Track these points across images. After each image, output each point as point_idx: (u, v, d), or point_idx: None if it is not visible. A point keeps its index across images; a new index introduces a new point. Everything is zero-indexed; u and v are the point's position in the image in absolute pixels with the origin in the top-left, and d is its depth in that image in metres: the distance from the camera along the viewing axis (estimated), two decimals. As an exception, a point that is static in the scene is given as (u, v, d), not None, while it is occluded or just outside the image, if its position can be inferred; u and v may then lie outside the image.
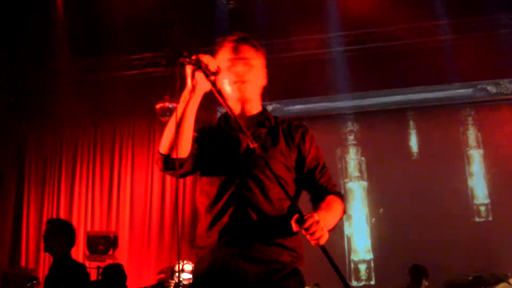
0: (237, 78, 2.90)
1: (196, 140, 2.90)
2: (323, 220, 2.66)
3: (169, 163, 2.81)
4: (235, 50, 3.01)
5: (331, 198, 2.97)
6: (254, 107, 3.07)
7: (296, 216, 2.61)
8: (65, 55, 10.17)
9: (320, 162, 3.06)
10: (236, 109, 3.00)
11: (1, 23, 9.46)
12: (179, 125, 2.74)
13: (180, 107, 2.76)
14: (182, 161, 2.81)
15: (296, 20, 9.48)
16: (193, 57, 2.72)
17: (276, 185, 2.78)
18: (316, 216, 2.59)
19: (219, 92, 2.76)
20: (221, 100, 2.76)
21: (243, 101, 3.00)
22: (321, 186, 3.03)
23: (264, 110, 3.13)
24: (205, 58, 2.74)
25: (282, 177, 2.84)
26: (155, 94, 9.63)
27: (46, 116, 10.95)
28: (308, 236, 2.57)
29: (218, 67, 2.79)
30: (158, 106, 9.44)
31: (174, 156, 2.77)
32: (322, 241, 2.58)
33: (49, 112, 10.85)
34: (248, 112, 3.04)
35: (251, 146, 2.64)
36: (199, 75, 2.72)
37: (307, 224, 2.55)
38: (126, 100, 10.51)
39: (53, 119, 10.90)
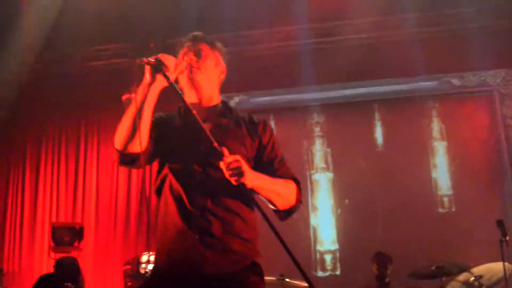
0: (188, 68, 2.91)
1: (153, 131, 2.92)
2: (260, 177, 2.84)
3: (124, 158, 2.82)
4: (188, 47, 3.10)
5: (287, 179, 3.09)
6: (213, 99, 3.15)
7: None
8: (30, 47, 10.04)
9: (278, 154, 3.12)
10: (193, 99, 3.07)
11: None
12: (134, 119, 2.79)
13: (136, 100, 2.83)
14: (136, 156, 2.82)
15: (262, 12, 9.48)
16: (152, 58, 2.75)
17: None
18: (238, 157, 2.71)
19: (179, 90, 2.80)
20: (181, 98, 2.78)
21: (196, 90, 3.01)
22: (279, 176, 3.10)
23: (223, 102, 3.21)
24: (165, 58, 2.77)
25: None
26: (121, 85, 9.56)
27: (11, 106, 10.81)
28: (227, 174, 2.67)
29: (188, 64, 2.84)
30: (124, 97, 9.36)
31: (128, 151, 2.79)
32: (242, 179, 2.68)
33: (13, 104, 10.72)
34: (206, 103, 3.12)
35: (214, 144, 2.69)
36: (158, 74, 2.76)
37: (226, 161, 2.67)
38: (92, 90, 10.44)
39: (18, 110, 10.77)
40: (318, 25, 9.87)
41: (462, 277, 7.00)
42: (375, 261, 7.69)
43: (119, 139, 2.81)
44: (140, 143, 2.78)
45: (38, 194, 10.65)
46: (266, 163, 3.08)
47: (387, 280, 7.61)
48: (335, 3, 9.20)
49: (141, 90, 2.82)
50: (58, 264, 7.69)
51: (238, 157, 2.71)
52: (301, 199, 3.11)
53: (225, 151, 2.69)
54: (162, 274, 2.92)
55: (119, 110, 9.58)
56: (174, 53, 3.07)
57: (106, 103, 10.35)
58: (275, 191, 2.97)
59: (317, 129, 10.05)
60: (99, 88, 10.31)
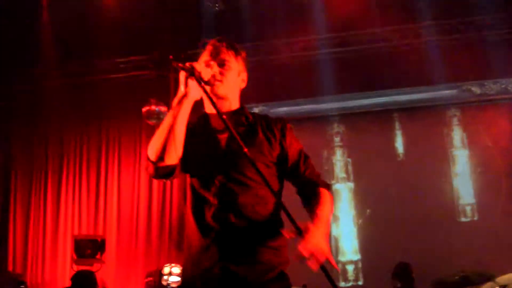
0: (211, 78, 2.90)
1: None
2: (323, 222, 2.74)
3: (160, 170, 2.82)
4: (213, 52, 3.04)
5: (322, 191, 3.01)
6: (232, 105, 3.11)
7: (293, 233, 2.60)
8: (52, 59, 10.14)
9: (301, 153, 3.09)
10: (211, 108, 2.99)
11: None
12: (171, 130, 2.76)
13: (171, 113, 2.79)
14: (173, 168, 2.82)
15: (281, 22, 9.50)
16: (187, 64, 2.75)
17: (257, 185, 2.83)
18: (313, 233, 2.56)
19: (212, 100, 2.78)
20: (214, 108, 2.77)
21: (216, 100, 3.00)
22: (306, 178, 3.07)
23: (241, 107, 3.15)
24: (198, 66, 2.77)
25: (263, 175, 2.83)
26: (142, 97, 9.63)
27: (33, 120, 10.91)
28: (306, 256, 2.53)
29: (212, 76, 2.84)
30: (144, 109, 9.43)
31: (164, 163, 2.79)
32: (322, 259, 2.53)
33: (35, 116, 10.82)
34: (225, 109, 3.05)
35: (244, 150, 2.65)
36: (192, 82, 2.75)
37: (308, 253, 2.51)
38: (113, 103, 10.50)
39: (40, 122, 10.86)
40: (337, 35, 9.87)
41: (487, 286, 6.92)
42: (398, 276, 7.49)
43: (154, 151, 2.78)
44: (168, 155, 2.78)
45: (60, 207, 10.71)
46: (292, 165, 3.05)
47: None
48: (354, 12, 9.19)
49: (176, 102, 2.81)
50: (75, 277, 7.72)
51: (318, 243, 2.55)
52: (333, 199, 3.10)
53: (305, 240, 2.55)
54: (189, 286, 2.91)
55: (139, 121, 9.64)
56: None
57: (126, 115, 10.41)
58: (330, 219, 2.94)
59: (337, 139, 10.04)
60: (120, 100, 10.36)
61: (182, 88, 2.79)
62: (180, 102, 2.80)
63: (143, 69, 10.56)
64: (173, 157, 2.80)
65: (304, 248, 2.52)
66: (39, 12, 9.52)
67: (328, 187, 3.10)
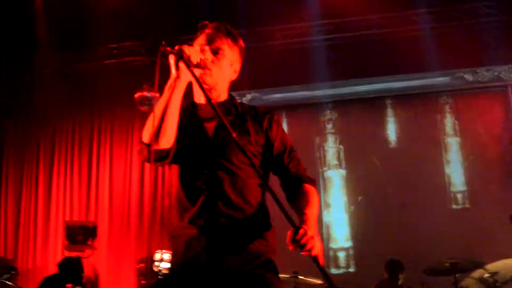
0: (201, 61, 2.87)
1: None
2: (313, 222, 2.72)
3: (154, 153, 2.80)
4: (209, 38, 3.01)
5: (308, 188, 2.99)
6: (220, 96, 3.08)
7: (289, 233, 2.58)
8: (44, 46, 10.08)
9: (287, 146, 3.08)
10: (200, 96, 3.03)
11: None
12: (165, 113, 2.74)
13: (165, 95, 2.78)
14: (167, 152, 2.81)
15: (276, 9, 9.47)
16: (176, 47, 2.73)
17: (245, 174, 2.84)
18: (309, 232, 2.58)
19: (200, 83, 2.75)
20: (201, 91, 2.74)
21: (210, 91, 2.98)
22: (290, 171, 3.06)
23: (230, 97, 3.14)
24: (188, 49, 2.75)
25: (248, 164, 2.86)
26: (134, 83, 9.56)
27: (25, 106, 10.86)
28: (299, 249, 2.57)
29: (201, 59, 2.82)
30: (137, 95, 9.36)
31: (159, 146, 2.77)
32: (314, 252, 2.56)
33: (28, 102, 10.77)
34: (213, 100, 3.03)
35: (233, 135, 2.64)
36: (182, 65, 2.73)
37: (302, 242, 2.54)
38: (105, 89, 10.46)
39: (32, 109, 10.81)
40: (331, 21, 9.84)
41: (477, 273, 6.97)
42: (387, 269, 7.61)
43: (148, 134, 2.77)
44: (162, 139, 2.77)
45: (52, 193, 10.70)
46: (276, 156, 3.04)
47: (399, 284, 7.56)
48: (347, -1, 9.18)
49: (168, 85, 2.80)
50: (62, 264, 7.72)
51: (310, 232, 2.58)
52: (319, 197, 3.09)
53: (301, 230, 2.56)
54: (177, 273, 2.92)
55: (132, 108, 9.62)
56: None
57: (119, 101, 10.38)
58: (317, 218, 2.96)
59: (329, 126, 10.04)
60: (112, 86, 10.32)
61: (173, 71, 2.78)
62: (172, 84, 2.78)
63: (136, 55, 10.52)
64: (168, 140, 2.78)
65: (297, 238, 2.54)
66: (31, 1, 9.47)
67: (313, 183, 3.07)
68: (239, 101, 3.16)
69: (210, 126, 2.94)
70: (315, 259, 2.58)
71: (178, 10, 9.54)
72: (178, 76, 2.77)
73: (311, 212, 2.82)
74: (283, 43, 10.01)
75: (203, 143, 2.91)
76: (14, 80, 10.89)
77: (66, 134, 10.96)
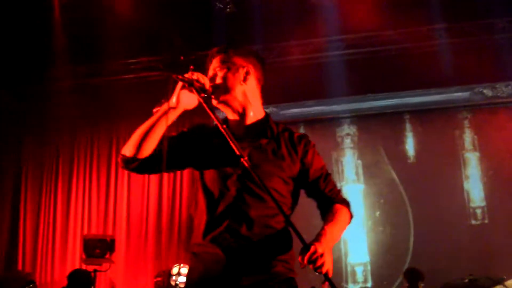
0: (209, 88, 2.89)
1: (182, 139, 2.99)
2: (328, 238, 2.72)
3: (127, 163, 2.90)
4: (221, 61, 3.05)
5: (337, 208, 2.99)
6: (255, 114, 3.07)
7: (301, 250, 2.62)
8: (64, 60, 10.15)
9: (323, 171, 3.08)
10: (234, 117, 3.03)
11: (1, 30, 9.43)
12: (148, 131, 2.84)
13: (155, 116, 2.86)
14: (141, 162, 2.88)
15: (293, 24, 9.49)
16: (187, 75, 2.76)
17: (271, 198, 2.76)
18: (320, 249, 2.59)
19: (211, 109, 2.79)
20: (212, 116, 2.78)
21: (231, 106, 3.01)
22: (326, 195, 3.05)
23: (266, 117, 3.11)
24: (198, 76, 2.78)
25: (277, 190, 2.86)
26: (152, 98, 9.61)
27: (44, 120, 10.93)
28: (311, 266, 2.58)
29: (210, 86, 2.84)
30: (155, 110, 9.40)
31: (135, 157, 2.85)
32: (324, 270, 2.58)
33: (47, 116, 10.84)
34: (248, 120, 3.04)
35: (242, 160, 2.66)
36: (186, 93, 2.79)
37: (312, 258, 2.56)
38: (123, 104, 10.48)
39: (51, 123, 10.89)
40: (348, 36, 9.84)
41: (496, 290, 6.91)
42: (406, 278, 7.58)
43: (127, 145, 2.86)
44: (139, 150, 2.86)
45: (70, 207, 10.75)
46: (312, 182, 3.03)
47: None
48: (366, 15, 9.16)
49: (163, 109, 2.83)
50: (71, 277, 7.73)
51: (320, 249, 2.60)
52: (353, 215, 3.10)
53: (312, 248, 2.59)
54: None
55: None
56: (205, 65, 3.06)
57: (137, 116, 10.38)
58: (342, 232, 2.96)
59: (347, 141, 10.02)
60: (130, 101, 10.35)
61: (173, 99, 2.81)
62: (167, 111, 2.83)
63: (153, 70, 10.57)
64: (143, 153, 2.85)
65: (307, 257, 2.57)
66: (51, 13, 9.53)
67: (347, 204, 3.07)
68: (274, 121, 3.15)
69: (243, 146, 2.86)
70: (326, 276, 2.60)
71: (195, 25, 9.59)
72: (176, 106, 2.81)
73: (330, 228, 2.82)
74: (300, 58, 10.01)
75: (232, 164, 2.87)
76: (33, 94, 10.99)
77: (85, 148, 11.03)
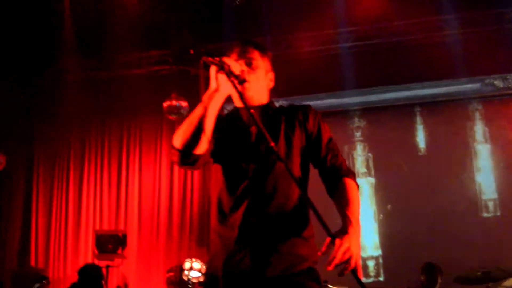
0: (241, 73, 2.89)
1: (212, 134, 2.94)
2: (354, 225, 2.72)
3: (186, 159, 2.84)
4: (240, 52, 3.07)
5: (347, 184, 2.98)
6: (260, 101, 3.14)
7: (326, 244, 2.59)
8: (74, 54, 10.16)
9: (325, 137, 3.10)
10: (241, 102, 3.02)
11: (10, 24, 9.44)
12: (200, 123, 2.77)
13: (202, 105, 2.80)
14: (197, 157, 2.84)
15: (302, 16, 9.46)
16: (217, 59, 2.76)
17: (288, 177, 2.78)
18: (345, 243, 2.57)
19: (241, 95, 2.79)
20: (242, 103, 2.80)
21: (246, 99, 3.02)
22: (327, 162, 3.07)
23: (270, 102, 3.19)
24: (228, 60, 2.79)
25: (295, 163, 2.95)
26: (162, 92, 9.64)
27: (55, 115, 10.94)
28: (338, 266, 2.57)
29: (242, 71, 2.85)
30: (165, 104, 9.44)
31: (192, 152, 2.80)
32: (352, 264, 2.57)
33: (58, 111, 10.85)
34: (253, 105, 3.07)
35: (271, 144, 2.65)
36: (222, 77, 2.75)
37: (337, 257, 2.53)
38: (134, 98, 10.50)
39: (62, 118, 10.90)
40: (358, 28, 9.80)
41: (509, 282, 6.88)
42: (425, 272, 7.51)
43: (181, 140, 2.80)
44: (196, 145, 2.80)
45: (82, 202, 10.78)
46: (314, 147, 3.06)
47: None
48: (376, 6, 9.13)
49: (207, 95, 2.82)
50: (81, 272, 7.76)
51: (346, 243, 2.58)
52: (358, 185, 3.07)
53: (337, 242, 2.57)
54: (217, 280, 2.92)
55: (160, 116, 9.65)
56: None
57: (147, 109, 10.44)
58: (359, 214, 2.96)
59: (358, 134, 10.00)
60: (141, 94, 10.36)
61: (213, 83, 2.80)
62: (211, 96, 2.80)
63: (163, 64, 10.57)
64: (200, 147, 2.81)
65: (338, 255, 2.54)
66: (61, 5, 9.54)
67: (353, 175, 3.07)
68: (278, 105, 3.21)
69: (253, 130, 2.98)
70: (353, 271, 2.58)
71: (203, 19, 9.58)
72: (217, 89, 2.79)
73: (351, 212, 2.82)
74: (310, 50, 9.98)
75: (247, 147, 2.95)
76: (43, 89, 11.00)
77: (95, 143, 11.05)
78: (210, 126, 2.81)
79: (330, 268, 2.54)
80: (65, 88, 10.72)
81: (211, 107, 2.79)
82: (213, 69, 2.78)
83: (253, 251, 2.81)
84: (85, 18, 9.52)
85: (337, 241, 2.57)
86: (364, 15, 9.42)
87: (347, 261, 2.54)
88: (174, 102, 9.38)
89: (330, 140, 3.11)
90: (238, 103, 3.13)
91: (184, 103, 9.31)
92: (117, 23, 9.34)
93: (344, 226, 2.71)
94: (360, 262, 2.62)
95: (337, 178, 3.01)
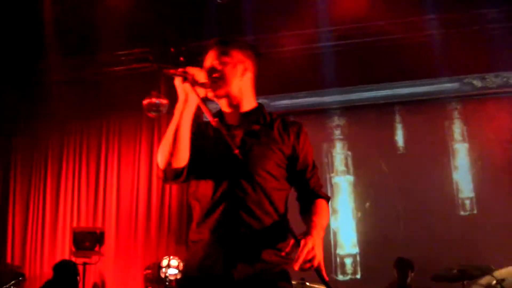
0: (206, 80, 2.91)
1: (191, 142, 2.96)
2: (317, 230, 2.79)
3: (167, 174, 2.88)
4: (216, 53, 3.07)
5: (319, 203, 3.05)
6: (247, 104, 3.13)
7: (291, 244, 2.70)
8: (53, 53, 10.09)
9: (311, 162, 3.13)
10: (226, 107, 3.08)
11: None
12: (176, 136, 2.80)
13: (174, 119, 2.83)
14: (181, 170, 2.87)
15: (284, 15, 9.46)
16: (180, 70, 2.77)
17: (267, 183, 2.85)
18: (310, 242, 2.65)
19: (204, 104, 2.81)
20: (205, 110, 2.82)
21: (227, 99, 3.06)
22: (309, 186, 3.10)
23: (259, 106, 3.18)
24: (191, 70, 2.79)
25: (271, 173, 2.93)
26: (143, 89, 9.60)
27: (34, 112, 10.89)
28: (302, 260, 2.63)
29: (206, 78, 2.85)
30: (145, 102, 9.40)
31: (172, 166, 2.83)
32: (315, 263, 2.63)
33: (37, 109, 10.80)
34: (241, 108, 3.10)
35: (234, 151, 2.72)
36: (188, 86, 2.77)
37: (301, 256, 2.61)
38: (113, 96, 10.47)
39: (41, 116, 10.85)
40: (338, 27, 9.81)
41: (484, 280, 6.92)
42: (396, 267, 7.62)
43: (162, 158, 2.84)
44: (176, 159, 2.84)
45: (60, 199, 10.72)
46: (299, 170, 3.07)
47: (407, 285, 7.55)
48: (357, 5, 9.14)
49: (177, 108, 2.84)
50: (56, 268, 7.73)
51: (310, 243, 2.65)
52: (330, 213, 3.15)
53: (302, 242, 2.65)
54: (190, 281, 2.93)
55: (140, 114, 9.63)
56: (196, 56, 3.08)
57: (127, 108, 10.40)
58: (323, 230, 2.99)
59: (337, 132, 10.03)
60: (120, 92, 10.33)
61: (181, 94, 2.82)
62: (181, 108, 2.82)
63: (144, 62, 10.53)
64: (180, 160, 2.84)
65: (299, 255, 2.62)
66: (41, 5, 9.46)
67: (327, 199, 3.13)
68: (268, 110, 3.20)
69: (237, 134, 2.99)
70: (317, 270, 2.64)
71: (185, 16, 9.56)
72: (186, 100, 2.80)
73: (318, 219, 2.89)
74: (291, 49, 9.99)
75: (224, 152, 2.89)
76: (21, 87, 10.93)
77: (74, 141, 11.00)
78: (187, 137, 2.84)
79: (296, 267, 2.61)
80: (44, 86, 10.66)
81: (183, 119, 2.82)
82: (177, 80, 2.80)
83: (226, 256, 2.82)
84: (65, 15, 9.45)
85: (302, 241, 2.64)
86: (345, 15, 9.42)
87: (311, 260, 2.61)
88: (154, 100, 9.34)
89: (314, 165, 3.15)
90: (224, 107, 3.13)
91: (164, 101, 9.28)
92: (98, 21, 9.28)
93: (308, 229, 2.79)
94: (323, 263, 2.68)
95: (313, 199, 3.07)
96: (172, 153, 2.81)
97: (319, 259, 2.64)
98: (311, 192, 3.09)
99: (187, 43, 9.84)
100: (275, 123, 3.10)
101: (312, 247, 2.62)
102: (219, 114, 3.13)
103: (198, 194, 2.98)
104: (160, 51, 10.28)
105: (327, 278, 2.68)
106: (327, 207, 3.07)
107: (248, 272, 2.80)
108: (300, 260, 2.58)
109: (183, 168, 2.86)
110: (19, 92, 10.96)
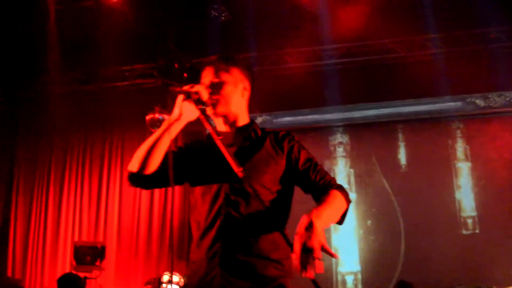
0: (208, 99, 2.94)
1: (181, 155, 3.03)
2: (325, 212, 2.68)
3: (134, 180, 2.98)
4: (205, 73, 3.10)
5: (331, 192, 2.95)
6: (240, 120, 3.14)
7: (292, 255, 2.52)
8: (57, 66, 10.13)
9: (311, 162, 3.09)
10: (221, 124, 3.11)
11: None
12: (154, 146, 2.89)
13: (159, 130, 2.91)
14: (147, 177, 2.93)
15: (287, 32, 9.50)
16: (185, 88, 2.80)
17: (262, 198, 2.82)
18: (312, 217, 2.50)
19: (208, 122, 2.84)
20: (209, 128, 2.85)
21: (225, 117, 3.08)
22: (318, 184, 3.04)
23: (251, 122, 3.18)
24: (197, 87, 2.83)
25: (266, 187, 2.92)
26: (146, 105, 9.59)
27: (37, 127, 10.92)
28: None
29: (208, 96, 2.89)
30: (148, 117, 9.37)
31: (142, 172, 2.91)
32: (315, 242, 2.39)
33: (40, 123, 10.83)
34: (233, 126, 3.12)
35: (236, 171, 2.72)
36: (188, 104, 2.82)
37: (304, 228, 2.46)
38: (116, 111, 10.50)
39: (44, 130, 10.88)
40: (342, 45, 9.86)
41: (486, 299, 6.91)
42: None
43: (135, 162, 2.92)
44: (145, 167, 2.91)
45: (61, 214, 10.72)
46: (302, 174, 3.05)
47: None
48: (360, 23, 9.17)
49: (167, 122, 2.87)
50: (60, 281, 7.70)
51: (319, 238, 2.45)
52: (350, 200, 3.04)
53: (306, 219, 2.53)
54: None
55: (143, 130, 9.62)
56: (200, 73, 3.09)
57: (130, 123, 10.41)
58: (337, 217, 2.94)
59: (340, 149, 10.03)
60: (124, 107, 10.36)
61: (176, 111, 2.84)
62: (170, 123, 2.88)
63: (147, 77, 10.56)
64: (149, 168, 2.91)
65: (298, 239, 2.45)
66: (45, 19, 9.50)
67: (340, 188, 3.03)
68: (260, 127, 3.19)
69: (231, 151, 2.95)
70: (314, 281, 2.51)
71: (189, 33, 9.60)
72: (178, 118, 2.85)
73: (323, 207, 2.75)
74: (294, 66, 10.02)
75: (222, 170, 2.90)
76: (26, 101, 10.96)
77: (77, 155, 11.01)
78: (163, 150, 2.90)
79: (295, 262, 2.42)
80: (48, 100, 10.68)
81: (168, 134, 2.87)
82: (180, 97, 2.84)
83: (224, 271, 2.81)
84: (70, 30, 9.49)
85: (305, 217, 2.49)
86: (348, 33, 9.46)
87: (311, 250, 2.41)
88: (157, 115, 9.33)
89: (316, 163, 3.11)
90: (219, 126, 3.14)
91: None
92: (102, 36, 9.32)
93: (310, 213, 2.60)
94: (325, 242, 2.47)
95: (325, 192, 2.96)
96: (145, 160, 2.89)
97: (320, 239, 2.42)
98: (322, 188, 3.02)
99: (191, 59, 9.87)
100: (267, 137, 3.11)
101: (312, 222, 2.47)
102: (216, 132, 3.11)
103: (196, 213, 3.01)
104: (164, 67, 10.30)
105: (335, 256, 2.52)
106: (340, 195, 2.96)
107: (245, 286, 2.79)
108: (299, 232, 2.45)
109: (148, 176, 2.92)
110: (21, 105, 10.99)
